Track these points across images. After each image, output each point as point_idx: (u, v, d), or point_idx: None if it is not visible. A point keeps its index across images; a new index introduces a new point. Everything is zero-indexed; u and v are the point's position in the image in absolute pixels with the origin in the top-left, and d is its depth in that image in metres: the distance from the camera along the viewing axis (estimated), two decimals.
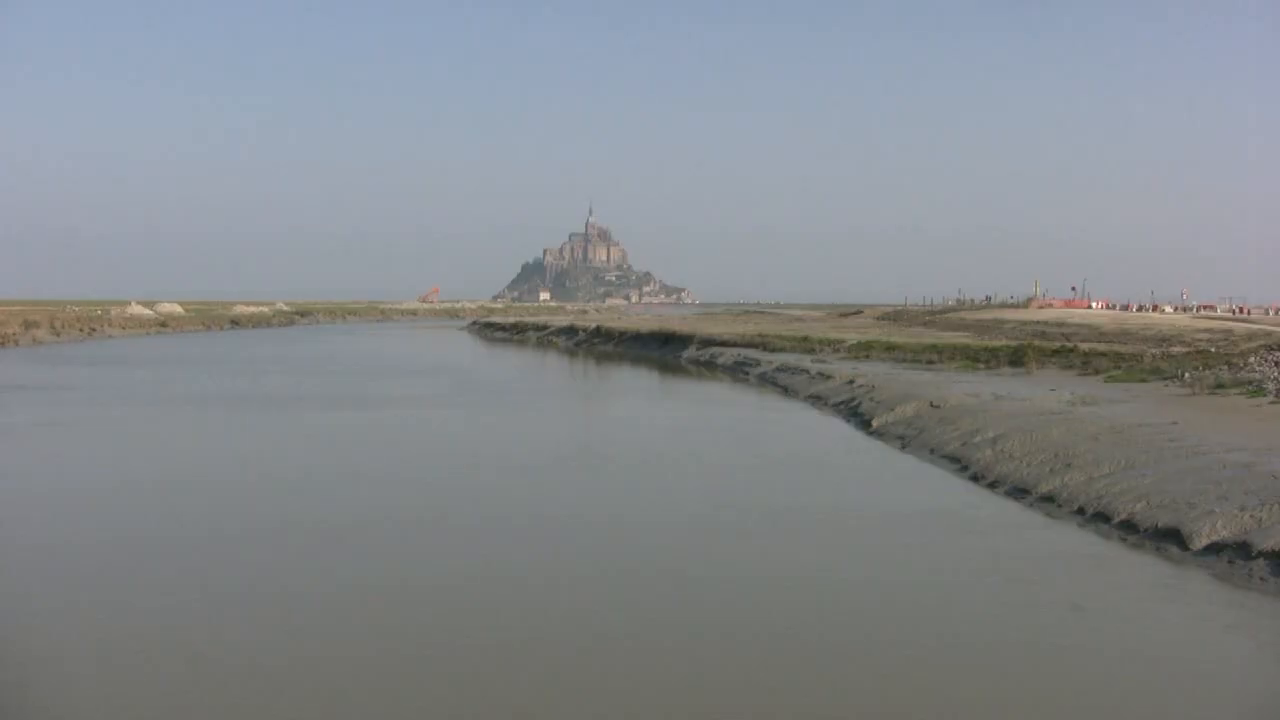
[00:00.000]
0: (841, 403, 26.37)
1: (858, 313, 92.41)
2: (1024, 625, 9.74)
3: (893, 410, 22.83)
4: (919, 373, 30.10)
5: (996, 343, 39.16)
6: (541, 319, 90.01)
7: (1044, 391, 23.54)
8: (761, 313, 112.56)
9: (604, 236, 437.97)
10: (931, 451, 18.95)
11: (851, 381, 28.34)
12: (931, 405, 22.24)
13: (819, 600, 10.52)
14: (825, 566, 11.72)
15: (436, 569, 11.50)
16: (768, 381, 34.44)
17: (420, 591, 10.66)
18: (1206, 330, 43.01)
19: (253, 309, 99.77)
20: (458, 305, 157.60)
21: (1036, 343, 37.44)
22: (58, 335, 62.05)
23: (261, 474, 17.34)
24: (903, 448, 19.92)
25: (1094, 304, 76.95)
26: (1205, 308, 74.14)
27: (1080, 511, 13.79)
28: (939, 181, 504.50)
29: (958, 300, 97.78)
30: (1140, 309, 72.85)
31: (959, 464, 17.58)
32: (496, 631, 9.42)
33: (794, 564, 11.79)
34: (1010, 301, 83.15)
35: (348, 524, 13.46)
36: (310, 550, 12.20)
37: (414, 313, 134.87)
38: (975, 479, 16.53)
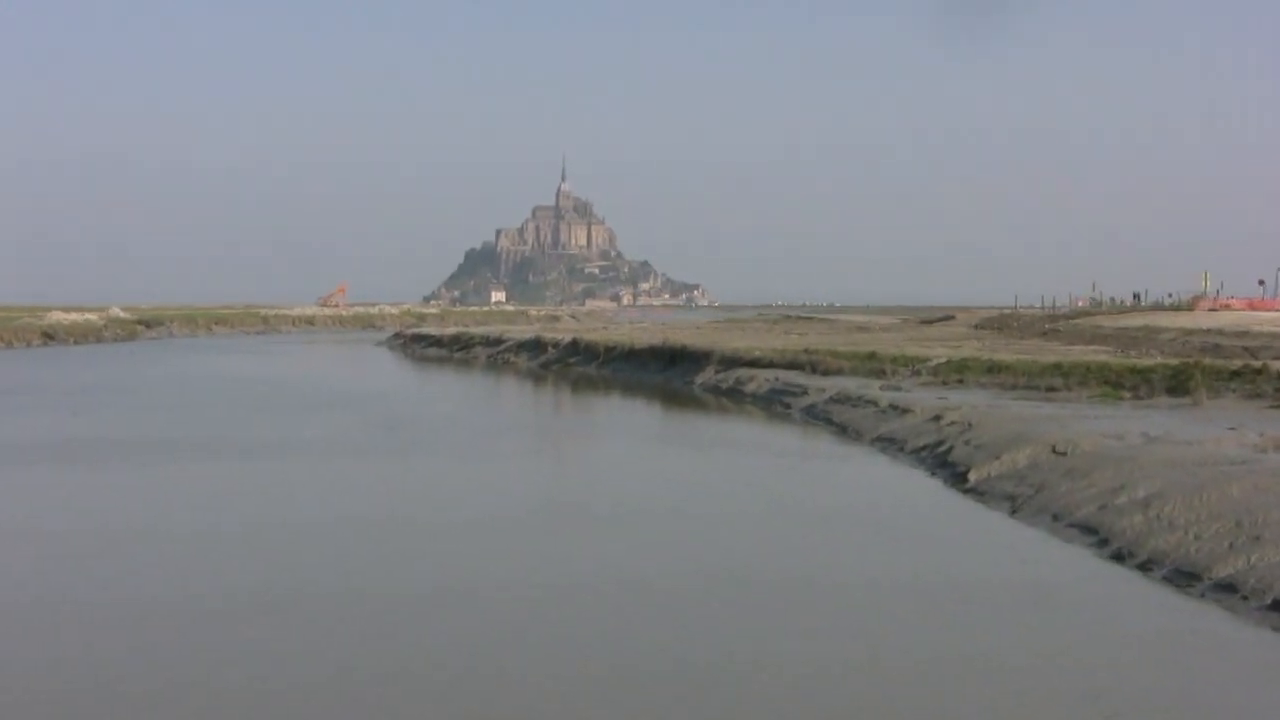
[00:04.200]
0: (924, 447, 26.40)
1: (948, 319, 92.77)
2: None
3: (998, 458, 22.88)
4: (1036, 405, 30.07)
5: (1148, 361, 39.06)
6: (494, 328, 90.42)
7: (1219, 431, 23.47)
8: (808, 319, 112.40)
9: (583, 212, 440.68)
10: (1055, 517, 18.94)
11: (938, 418, 28.28)
12: (1054, 451, 22.20)
13: None
14: (908, 698, 11.49)
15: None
16: (817, 417, 34.44)
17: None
18: None
19: (76, 317, 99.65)
20: (374, 310, 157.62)
21: (1207, 361, 37.31)
22: None
23: (61, 545, 17.22)
24: (1012, 511, 19.97)
25: None
26: None
27: (1274, 607, 13.61)
28: (1057, 135, 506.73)
29: (1092, 300, 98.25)
30: None
31: (1095, 535, 17.58)
32: None
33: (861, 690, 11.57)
34: (1169, 302, 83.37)
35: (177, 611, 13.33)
36: (161, 647, 12.07)
37: (311, 321, 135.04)
38: (1118, 558, 16.45)
